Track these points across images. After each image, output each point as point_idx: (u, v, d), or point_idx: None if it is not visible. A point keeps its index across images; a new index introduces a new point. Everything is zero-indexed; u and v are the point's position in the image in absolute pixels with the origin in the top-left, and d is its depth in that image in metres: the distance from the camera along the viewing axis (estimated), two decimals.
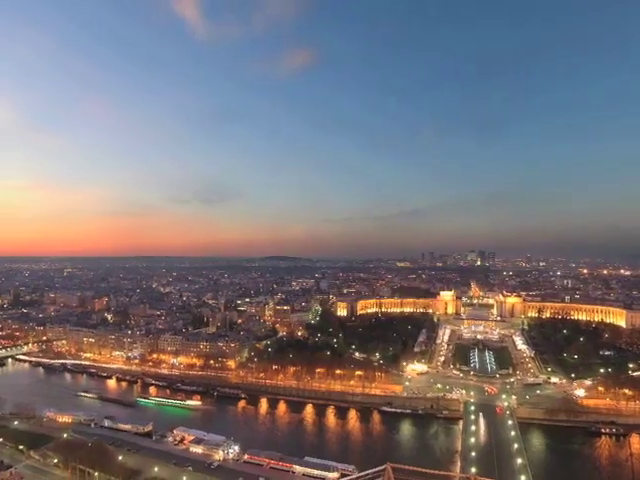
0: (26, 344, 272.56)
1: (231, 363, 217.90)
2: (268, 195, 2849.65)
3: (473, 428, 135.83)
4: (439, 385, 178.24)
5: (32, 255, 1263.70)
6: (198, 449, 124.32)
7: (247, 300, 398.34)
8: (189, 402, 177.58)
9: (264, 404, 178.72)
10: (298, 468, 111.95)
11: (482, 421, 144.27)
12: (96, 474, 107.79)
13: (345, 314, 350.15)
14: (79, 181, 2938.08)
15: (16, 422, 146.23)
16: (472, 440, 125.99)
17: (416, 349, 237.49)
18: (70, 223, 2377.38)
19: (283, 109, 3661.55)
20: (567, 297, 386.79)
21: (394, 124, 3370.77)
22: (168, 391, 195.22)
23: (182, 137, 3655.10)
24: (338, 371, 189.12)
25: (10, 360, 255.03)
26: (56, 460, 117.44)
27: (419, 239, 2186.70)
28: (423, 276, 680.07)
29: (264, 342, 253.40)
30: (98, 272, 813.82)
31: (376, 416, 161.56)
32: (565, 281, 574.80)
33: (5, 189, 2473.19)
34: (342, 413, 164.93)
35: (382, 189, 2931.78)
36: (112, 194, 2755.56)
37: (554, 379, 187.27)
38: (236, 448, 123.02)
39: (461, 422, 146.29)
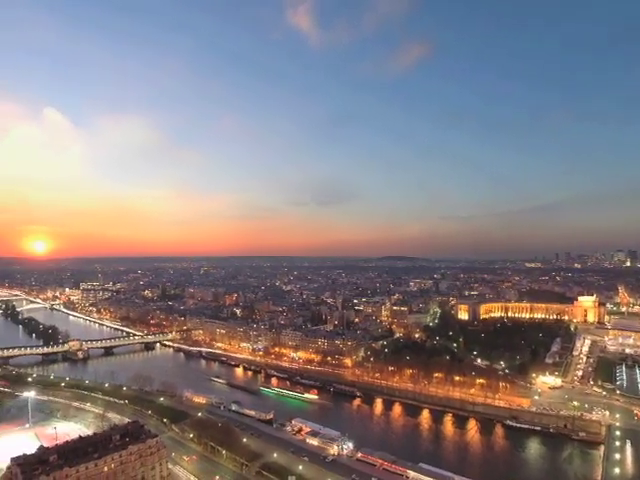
0: (170, 332, 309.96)
1: (347, 361, 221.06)
2: (384, 194, 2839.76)
3: (618, 456, 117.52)
4: (575, 403, 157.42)
5: (175, 255, 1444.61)
6: (314, 441, 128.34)
7: (364, 300, 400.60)
8: (307, 395, 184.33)
9: (379, 404, 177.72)
10: (412, 473, 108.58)
11: (629, 449, 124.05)
12: (224, 452, 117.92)
13: (466, 317, 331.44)
14: (213, 189, 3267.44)
15: (161, 398, 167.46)
16: (616, 470, 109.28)
17: (548, 360, 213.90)
18: (206, 227, 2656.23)
19: (397, 106, 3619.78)
20: None
21: (517, 111, 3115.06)
22: (288, 383, 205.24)
23: (300, 143, 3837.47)
24: (457, 377, 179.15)
25: (158, 345, 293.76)
26: (192, 435, 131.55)
27: (552, 237, 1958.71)
28: (557, 278, 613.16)
29: (380, 342, 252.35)
30: (229, 270, 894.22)
31: (499, 429, 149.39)
32: None
33: (154, 199, 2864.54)
34: (461, 422, 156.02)
35: (507, 182, 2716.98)
36: (240, 199, 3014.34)
37: None
38: (350, 445, 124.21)
39: (602, 448, 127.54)
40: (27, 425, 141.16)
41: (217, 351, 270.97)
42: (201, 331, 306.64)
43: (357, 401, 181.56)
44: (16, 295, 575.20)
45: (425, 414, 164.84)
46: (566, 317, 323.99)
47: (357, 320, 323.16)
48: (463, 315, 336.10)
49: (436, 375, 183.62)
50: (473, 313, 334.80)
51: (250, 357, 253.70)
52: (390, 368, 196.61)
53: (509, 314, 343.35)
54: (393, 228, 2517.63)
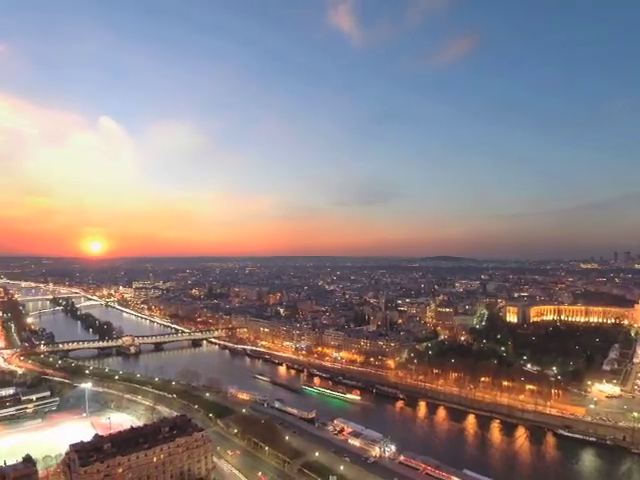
0: (216, 330, 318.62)
1: (390, 362, 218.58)
2: (428, 193, 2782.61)
3: None
4: (635, 414, 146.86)
5: (221, 255, 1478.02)
6: (356, 442, 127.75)
7: (408, 300, 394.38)
8: (349, 395, 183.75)
9: (422, 407, 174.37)
10: None
11: None
12: (266, 448, 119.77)
13: (515, 320, 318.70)
14: (256, 190, 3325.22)
15: (207, 394, 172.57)
16: None
17: (605, 367, 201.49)
18: (250, 227, 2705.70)
19: (441, 102, 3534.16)
20: None
21: (571, 102, 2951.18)
22: (330, 383, 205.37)
23: (342, 142, 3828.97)
24: (506, 383, 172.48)
25: (205, 342, 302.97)
26: (236, 430, 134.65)
27: (610, 236, 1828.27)
28: (616, 280, 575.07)
29: (424, 344, 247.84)
30: (272, 270, 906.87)
31: (550, 439, 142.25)
32: None
33: (200, 200, 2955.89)
34: (508, 429, 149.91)
35: (559, 178, 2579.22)
36: (283, 200, 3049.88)
37: None
38: (392, 447, 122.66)
39: None
40: (84, 414, 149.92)
41: (261, 349, 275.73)
42: (246, 329, 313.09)
43: (400, 403, 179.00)
44: (75, 293, 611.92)
45: (470, 419, 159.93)
46: (625, 321, 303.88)
47: (400, 321, 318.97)
48: (512, 318, 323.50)
49: (483, 379, 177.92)
50: (523, 316, 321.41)
51: (293, 356, 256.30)
52: (434, 371, 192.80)
53: (562, 317, 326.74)
54: (438, 227, 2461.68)
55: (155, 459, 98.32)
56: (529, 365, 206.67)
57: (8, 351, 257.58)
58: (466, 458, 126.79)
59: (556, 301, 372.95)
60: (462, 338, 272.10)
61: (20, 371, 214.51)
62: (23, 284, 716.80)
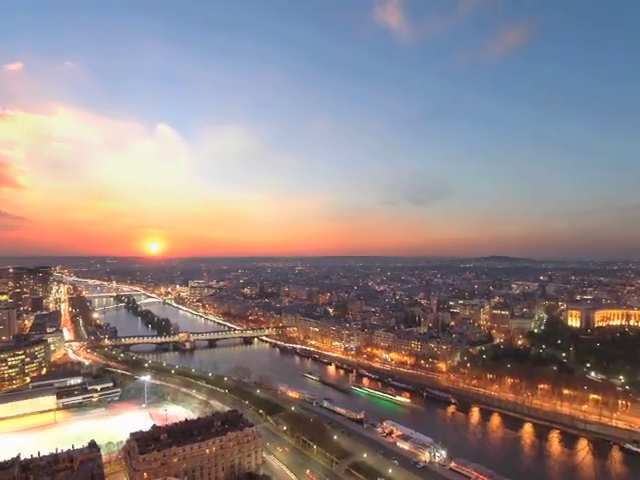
0: (267, 328, 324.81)
1: (442, 365, 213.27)
2: (481, 190, 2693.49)
3: None
4: None
5: (272, 255, 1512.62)
6: (405, 445, 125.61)
7: (460, 302, 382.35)
8: (398, 398, 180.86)
9: (475, 413, 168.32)
10: None
11: None
12: (315, 447, 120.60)
13: (578, 325, 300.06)
14: (306, 191, 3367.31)
15: (258, 391, 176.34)
16: None
17: None
18: (300, 227, 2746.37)
19: (495, 95, 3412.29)
20: None
21: None
22: (379, 384, 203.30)
23: (391, 140, 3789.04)
24: (567, 391, 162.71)
25: (256, 340, 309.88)
26: (285, 428, 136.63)
27: None
28: None
29: (478, 347, 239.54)
30: (322, 270, 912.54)
31: (616, 453, 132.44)
32: None
33: (252, 202, 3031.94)
34: (569, 441, 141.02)
35: (630, 172, 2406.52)
36: (332, 200, 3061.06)
37: None
38: (443, 453, 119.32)
39: None
40: (143, 405, 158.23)
41: (310, 348, 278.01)
42: (295, 328, 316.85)
43: (451, 408, 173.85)
44: (136, 290, 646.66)
45: (527, 428, 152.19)
46: None
47: (453, 323, 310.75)
48: (574, 322, 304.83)
49: (541, 386, 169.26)
50: (586, 320, 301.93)
51: (342, 356, 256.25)
52: (489, 376, 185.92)
53: (631, 322, 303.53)
54: (493, 226, 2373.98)
55: (208, 451, 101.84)
56: (593, 373, 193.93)
57: (76, 343, 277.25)
58: (522, 469, 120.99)
59: (624, 305, 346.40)
60: (519, 342, 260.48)
61: (87, 362, 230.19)
62: (90, 282, 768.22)
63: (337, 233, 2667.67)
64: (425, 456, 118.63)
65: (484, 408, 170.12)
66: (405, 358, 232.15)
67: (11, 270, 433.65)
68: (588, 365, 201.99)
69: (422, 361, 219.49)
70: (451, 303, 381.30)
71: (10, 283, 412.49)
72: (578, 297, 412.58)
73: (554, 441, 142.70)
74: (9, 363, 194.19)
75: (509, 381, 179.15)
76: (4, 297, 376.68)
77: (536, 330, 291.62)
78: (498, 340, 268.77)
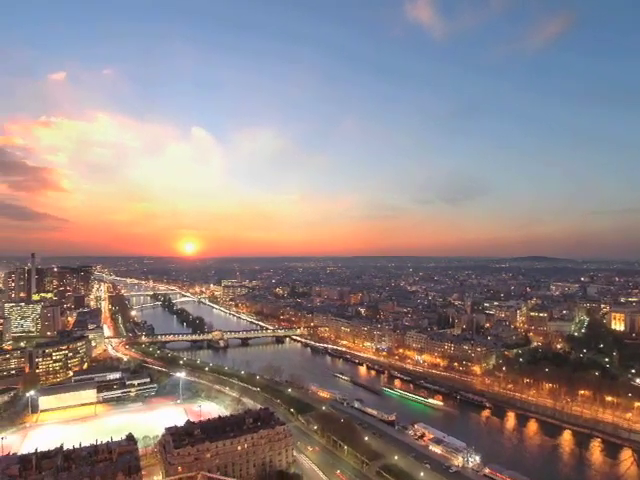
0: (299, 327, 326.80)
1: (476, 368, 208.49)
2: (519, 188, 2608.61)
3: None
4: None
5: (303, 255, 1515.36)
6: (437, 449, 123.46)
7: (496, 303, 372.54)
8: (431, 400, 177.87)
9: (511, 418, 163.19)
10: None
11: None
12: (345, 447, 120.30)
13: (622, 328, 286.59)
14: (336, 191, 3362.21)
15: (289, 389, 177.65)
16: None
17: None
18: (331, 227, 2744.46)
19: (533, 90, 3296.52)
20: None
21: None
22: (411, 386, 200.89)
23: (424, 138, 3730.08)
24: (609, 398, 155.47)
25: (287, 339, 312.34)
26: (316, 427, 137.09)
27: None
28: None
29: (514, 350, 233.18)
30: (353, 270, 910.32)
31: None
32: None
33: (284, 202, 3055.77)
34: (612, 450, 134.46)
35: None
36: (364, 200, 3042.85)
37: None
38: (477, 458, 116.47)
39: None
40: (178, 401, 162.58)
41: (341, 348, 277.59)
42: (327, 328, 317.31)
43: (486, 412, 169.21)
44: (172, 289, 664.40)
45: (566, 436, 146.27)
46: None
47: (488, 325, 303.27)
48: (618, 325, 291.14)
49: (582, 392, 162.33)
50: (632, 323, 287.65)
51: (373, 357, 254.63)
52: (526, 380, 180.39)
53: None
54: (530, 225, 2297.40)
55: (240, 448, 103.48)
56: (638, 380, 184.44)
57: (116, 340, 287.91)
58: (560, 478, 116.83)
59: None
60: (558, 346, 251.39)
61: (125, 358, 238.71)
62: (128, 281, 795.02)
63: (369, 233, 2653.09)
64: (458, 461, 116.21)
65: (520, 413, 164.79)
66: (438, 360, 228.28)
67: (56, 269, 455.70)
68: (633, 371, 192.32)
69: (455, 363, 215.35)
70: (486, 304, 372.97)
71: (55, 281, 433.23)
72: (622, 299, 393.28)
73: (595, 450, 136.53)
74: (54, 357, 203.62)
75: (547, 386, 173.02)
76: (49, 295, 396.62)
77: (576, 333, 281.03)
78: (535, 343, 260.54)
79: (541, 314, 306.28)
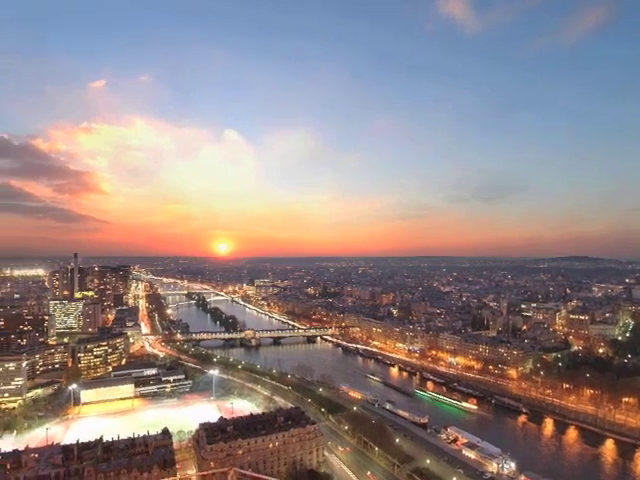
0: (330, 327, 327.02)
1: (512, 372, 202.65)
2: (558, 185, 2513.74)
3: None
4: None
5: (335, 255, 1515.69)
6: (471, 454, 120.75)
7: (533, 305, 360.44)
8: (464, 404, 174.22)
9: (549, 425, 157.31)
10: None
11: None
12: (376, 449, 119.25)
13: None
14: (368, 190, 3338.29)
15: (320, 389, 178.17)
16: None
17: None
18: (363, 227, 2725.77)
19: (572, 82, 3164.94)
20: None
21: None
22: (444, 388, 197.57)
23: (459, 136, 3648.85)
24: None
25: (319, 339, 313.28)
26: (346, 427, 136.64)
27: None
28: None
29: (553, 354, 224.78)
30: (385, 270, 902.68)
31: None
32: None
33: (315, 202, 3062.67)
34: None
35: None
36: (396, 199, 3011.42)
37: None
38: (512, 465, 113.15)
39: None
40: (211, 398, 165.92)
41: (373, 349, 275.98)
42: (358, 329, 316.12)
43: (522, 417, 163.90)
44: (205, 289, 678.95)
45: (609, 445, 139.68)
46: None
47: (525, 327, 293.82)
48: None
49: (626, 400, 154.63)
50: None
51: (405, 358, 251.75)
52: (565, 385, 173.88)
53: None
54: (570, 224, 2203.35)
55: (271, 445, 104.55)
56: None
57: (152, 337, 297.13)
58: None
59: None
60: (600, 350, 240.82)
61: (161, 355, 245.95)
62: (164, 280, 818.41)
63: (401, 233, 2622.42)
64: (492, 467, 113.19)
65: (559, 420, 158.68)
66: (472, 363, 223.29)
67: (96, 269, 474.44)
68: None
69: (490, 367, 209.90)
70: (523, 306, 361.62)
71: (96, 280, 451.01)
72: None
73: None
74: (94, 353, 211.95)
75: (588, 392, 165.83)
76: (90, 293, 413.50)
77: (620, 337, 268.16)
78: (576, 347, 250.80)
79: (582, 317, 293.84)
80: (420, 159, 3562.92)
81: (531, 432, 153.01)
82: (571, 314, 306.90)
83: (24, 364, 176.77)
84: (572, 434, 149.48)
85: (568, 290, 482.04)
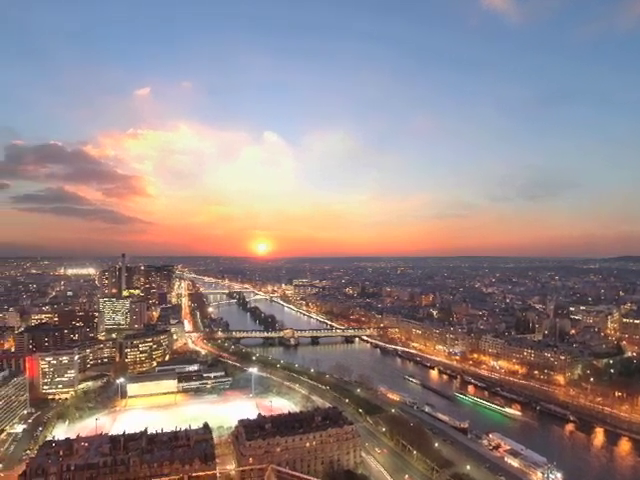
0: (368, 328, 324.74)
1: (559, 378, 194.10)
2: (611, 181, 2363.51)
3: None
4: None
5: (373, 255, 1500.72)
6: (514, 462, 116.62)
7: (583, 308, 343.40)
8: (508, 409, 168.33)
9: (599, 435, 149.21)
10: None
11: None
12: (414, 452, 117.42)
13: None
14: (407, 190, 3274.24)
15: (358, 390, 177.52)
16: None
17: None
18: (402, 227, 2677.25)
19: (627, 70, 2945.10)
20: None
21: None
22: (486, 393, 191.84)
23: (503, 131, 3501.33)
24: None
25: (357, 339, 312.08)
26: (384, 429, 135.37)
27: None
28: None
29: (604, 360, 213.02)
30: (425, 271, 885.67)
31: None
32: None
33: (354, 202, 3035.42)
34: None
35: None
36: (437, 198, 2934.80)
37: None
38: (558, 475, 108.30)
39: None
40: (250, 395, 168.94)
41: (412, 351, 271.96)
42: (397, 330, 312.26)
43: (569, 426, 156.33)
44: (245, 288, 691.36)
45: None
46: None
47: (573, 331, 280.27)
48: None
49: None
50: None
51: (446, 360, 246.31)
52: (617, 393, 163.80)
53: None
54: (625, 222, 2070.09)
55: (308, 444, 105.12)
56: None
57: (194, 334, 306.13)
58: None
59: None
60: None
61: (203, 352, 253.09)
62: (206, 279, 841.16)
63: (441, 232, 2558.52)
64: (537, 476, 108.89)
65: (610, 430, 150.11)
66: (516, 367, 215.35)
67: (142, 268, 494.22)
68: None
69: (536, 372, 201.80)
70: (571, 309, 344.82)
71: (141, 279, 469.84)
72: None
73: None
74: (140, 349, 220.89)
75: None
76: (137, 291, 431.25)
77: None
78: (630, 353, 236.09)
79: (636, 320, 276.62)
80: (462, 156, 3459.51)
81: (579, 442, 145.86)
82: (624, 318, 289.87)
83: (76, 358, 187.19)
84: (625, 445, 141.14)
85: (621, 292, 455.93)
